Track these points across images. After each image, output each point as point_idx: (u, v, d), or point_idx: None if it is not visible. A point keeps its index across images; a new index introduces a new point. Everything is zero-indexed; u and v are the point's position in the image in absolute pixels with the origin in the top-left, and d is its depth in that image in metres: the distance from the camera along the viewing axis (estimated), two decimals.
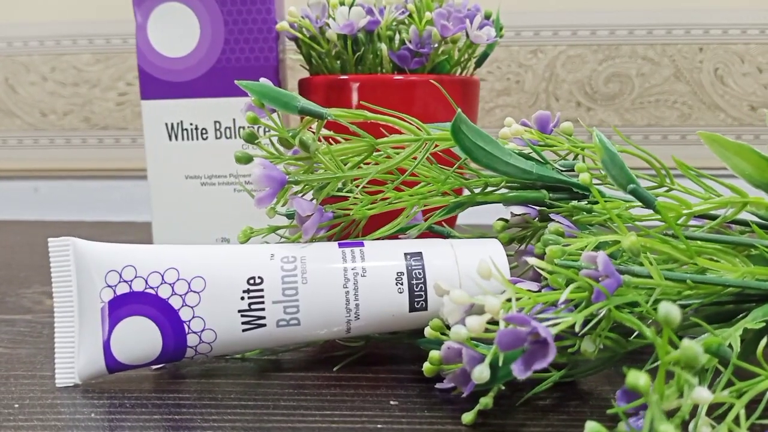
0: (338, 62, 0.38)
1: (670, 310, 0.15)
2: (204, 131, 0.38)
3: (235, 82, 0.26)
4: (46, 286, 0.38)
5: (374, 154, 0.26)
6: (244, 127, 0.38)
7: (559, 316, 0.20)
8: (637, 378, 0.15)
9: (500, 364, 0.21)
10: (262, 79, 0.26)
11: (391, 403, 0.23)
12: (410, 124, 0.26)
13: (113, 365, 0.24)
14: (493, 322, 0.20)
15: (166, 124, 0.38)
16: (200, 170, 0.38)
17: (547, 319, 0.20)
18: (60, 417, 0.22)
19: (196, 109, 0.38)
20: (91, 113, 0.70)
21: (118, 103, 0.69)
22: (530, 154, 0.27)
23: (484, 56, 0.38)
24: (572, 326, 0.20)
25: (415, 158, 0.26)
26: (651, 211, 0.28)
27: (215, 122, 0.38)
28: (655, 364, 0.20)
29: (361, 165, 0.26)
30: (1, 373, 0.26)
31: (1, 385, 0.25)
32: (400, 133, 0.27)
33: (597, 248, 0.24)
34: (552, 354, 0.19)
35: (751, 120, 0.66)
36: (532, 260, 0.21)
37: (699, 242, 0.25)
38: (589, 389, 0.24)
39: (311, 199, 0.26)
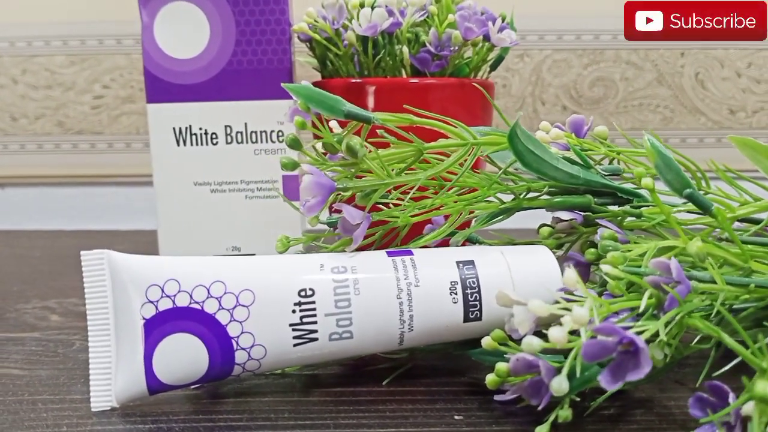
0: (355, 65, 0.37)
1: None
2: (214, 136, 0.36)
3: (282, 85, 0.24)
4: (46, 300, 0.36)
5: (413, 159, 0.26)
6: (256, 132, 0.36)
7: (642, 325, 0.20)
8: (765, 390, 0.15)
9: (577, 374, 0.20)
10: (304, 82, 0.25)
11: (456, 417, 0.22)
12: (454, 127, 0.26)
13: (155, 386, 0.23)
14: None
15: (174, 129, 0.36)
16: (210, 177, 0.37)
17: (626, 328, 0.20)
18: None
19: (205, 112, 0.36)
20: (65, 117, 0.67)
21: (94, 106, 0.67)
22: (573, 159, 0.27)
23: (499, 59, 0.38)
24: None
25: (461, 164, 0.26)
26: (693, 216, 0.28)
27: (226, 126, 0.36)
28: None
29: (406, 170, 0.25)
30: (26, 397, 0.24)
31: (29, 411, 0.23)
32: (445, 137, 0.26)
33: (657, 254, 0.23)
34: (648, 364, 0.18)
35: (730, 123, 0.67)
36: (606, 268, 0.21)
37: (750, 246, 0.25)
38: (646, 397, 0.24)
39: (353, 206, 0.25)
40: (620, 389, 0.24)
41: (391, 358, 0.27)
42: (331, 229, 0.27)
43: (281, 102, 0.36)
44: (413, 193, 0.26)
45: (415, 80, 0.36)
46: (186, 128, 0.36)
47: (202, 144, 0.36)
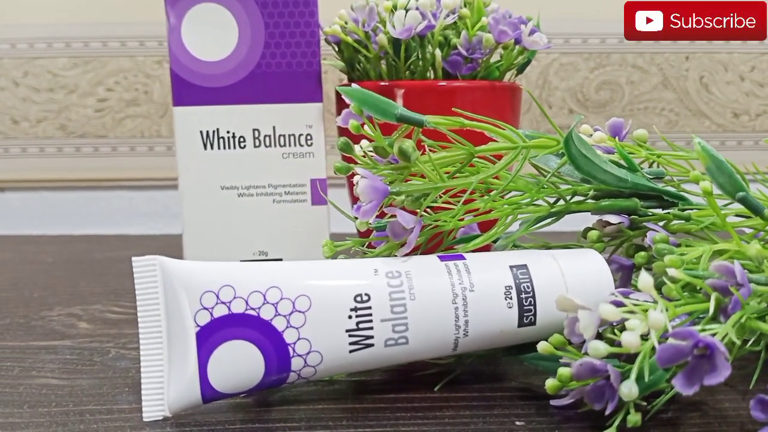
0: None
1: None
2: (242, 139, 0.36)
3: (336, 88, 0.24)
4: (70, 307, 0.35)
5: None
6: (284, 135, 0.36)
7: (712, 328, 0.20)
8: None
9: (646, 379, 0.20)
10: (354, 85, 0.24)
11: (517, 423, 0.22)
12: (502, 130, 0.25)
13: (209, 395, 0.22)
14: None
15: (201, 132, 0.36)
16: (237, 180, 0.36)
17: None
18: None
19: (233, 116, 0.36)
20: (67, 120, 0.66)
21: (98, 109, 0.66)
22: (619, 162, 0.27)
23: (526, 63, 0.38)
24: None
25: (510, 169, 0.25)
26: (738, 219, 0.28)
27: (254, 130, 0.36)
28: None
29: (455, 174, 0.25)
30: (71, 408, 0.23)
31: (78, 422, 0.22)
32: (488, 140, 0.26)
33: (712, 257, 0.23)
34: (726, 369, 0.18)
35: (734, 126, 0.68)
36: (672, 272, 0.21)
37: None
38: (698, 400, 0.24)
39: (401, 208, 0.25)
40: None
41: (437, 364, 0.26)
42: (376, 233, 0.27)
43: (310, 105, 0.35)
44: (464, 197, 0.25)
45: (443, 83, 0.36)
46: (213, 131, 0.35)
47: (229, 147, 0.36)
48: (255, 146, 0.36)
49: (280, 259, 0.36)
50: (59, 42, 0.65)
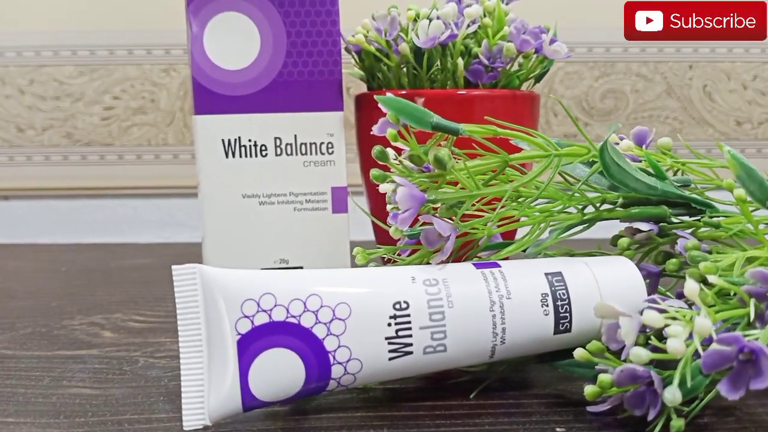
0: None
1: None
2: (263, 148, 0.36)
3: (375, 97, 0.24)
4: (91, 316, 0.35)
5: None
6: (306, 144, 0.36)
7: (753, 334, 0.20)
8: None
9: (688, 384, 0.20)
10: (389, 94, 0.25)
11: (558, 430, 0.22)
12: (533, 137, 0.26)
13: (250, 403, 0.22)
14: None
15: (223, 141, 0.36)
16: (259, 189, 0.36)
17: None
18: None
19: (255, 124, 0.36)
20: (73, 128, 0.66)
21: (104, 117, 0.66)
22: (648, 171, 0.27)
23: (544, 72, 0.38)
24: None
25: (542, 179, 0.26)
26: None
27: (275, 138, 0.36)
28: None
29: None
30: (108, 417, 0.23)
31: (119, 430, 0.22)
32: (518, 149, 0.26)
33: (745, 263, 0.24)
34: None
35: (737, 134, 0.68)
36: (713, 279, 0.21)
37: None
38: (731, 405, 0.24)
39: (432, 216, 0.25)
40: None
41: (469, 371, 0.26)
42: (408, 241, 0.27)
43: (331, 114, 0.36)
44: (497, 205, 0.26)
45: (463, 92, 0.36)
46: (235, 140, 0.36)
47: (251, 156, 0.36)
48: (276, 154, 0.36)
49: (301, 267, 0.36)
50: (65, 50, 0.65)
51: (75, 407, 0.24)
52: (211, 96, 0.35)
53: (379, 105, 0.24)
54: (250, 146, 0.36)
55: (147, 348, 0.30)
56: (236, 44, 0.35)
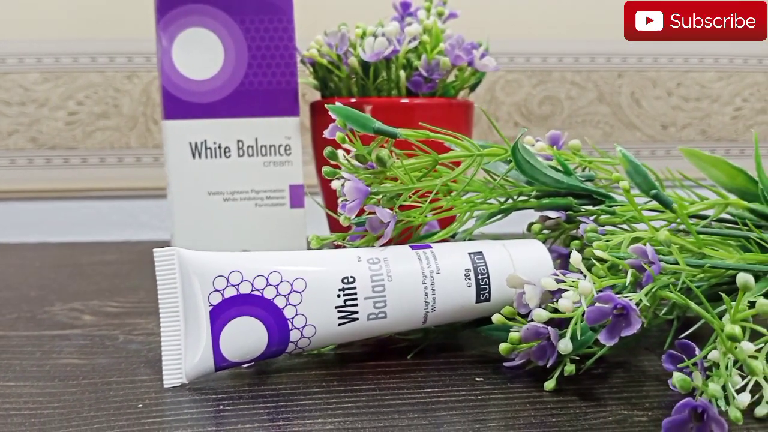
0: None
1: (747, 279, 0.21)
2: (227, 149, 0.40)
3: (326, 106, 0.29)
4: (70, 303, 0.39)
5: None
6: (266, 146, 0.40)
7: (628, 295, 0.25)
8: (733, 329, 0.20)
9: (578, 337, 0.25)
10: (338, 103, 0.29)
11: (477, 379, 0.27)
12: (460, 140, 0.30)
13: (221, 363, 0.26)
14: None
15: (190, 143, 0.40)
16: (223, 187, 0.40)
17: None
18: (193, 411, 0.24)
19: (219, 128, 0.40)
20: (38, 133, 0.68)
21: (68, 122, 0.68)
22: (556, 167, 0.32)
23: (477, 82, 0.43)
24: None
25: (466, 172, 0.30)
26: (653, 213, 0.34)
27: (238, 141, 0.40)
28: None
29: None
30: (98, 380, 0.27)
31: (107, 389, 0.26)
32: (447, 149, 0.31)
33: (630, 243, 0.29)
34: (637, 322, 0.23)
35: (662, 137, 0.75)
36: (599, 252, 0.26)
37: (702, 236, 0.30)
38: (623, 360, 0.29)
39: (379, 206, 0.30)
40: (601, 355, 0.29)
41: (407, 339, 0.31)
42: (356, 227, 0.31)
43: (289, 119, 0.40)
44: (430, 197, 0.30)
45: (406, 100, 0.41)
46: (201, 143, 0.40)
47: (215, 157, 0.40)
48: (239, 156, 0.40)
49: None
50: (30, 57, 0.67)
51: (67, 373, 0.28)
52: (179, 103, 0.39)
53: (329, 112, 0.28)
54: (215, 148, 0.40)
55: (125, 327, 0.34)
56: (202, 56, 0.39)
